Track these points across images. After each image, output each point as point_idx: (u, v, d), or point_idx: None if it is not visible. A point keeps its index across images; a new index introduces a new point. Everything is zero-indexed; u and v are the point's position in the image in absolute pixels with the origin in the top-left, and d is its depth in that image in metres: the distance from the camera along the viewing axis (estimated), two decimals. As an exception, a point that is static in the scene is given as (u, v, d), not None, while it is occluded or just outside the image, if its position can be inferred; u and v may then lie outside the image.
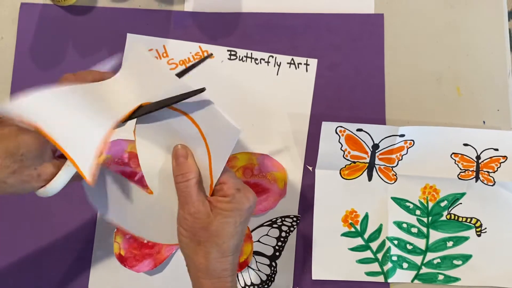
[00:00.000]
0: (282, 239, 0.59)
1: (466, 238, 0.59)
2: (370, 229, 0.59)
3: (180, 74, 0.46)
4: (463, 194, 0.59)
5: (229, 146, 0.43)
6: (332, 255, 0.58)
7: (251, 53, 0.62)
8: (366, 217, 0.59)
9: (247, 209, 0.45)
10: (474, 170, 0.59)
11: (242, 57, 0.62)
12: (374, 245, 0.59)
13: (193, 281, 0.45)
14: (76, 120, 0.42)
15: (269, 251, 0.59)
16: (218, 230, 0.43)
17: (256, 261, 0.59)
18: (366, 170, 0.59)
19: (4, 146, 0.39)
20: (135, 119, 0.45)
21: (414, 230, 0.59)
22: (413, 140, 0.59)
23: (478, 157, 0.59)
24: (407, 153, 0.59)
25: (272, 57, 0.62)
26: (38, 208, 0.59)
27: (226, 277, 0.44)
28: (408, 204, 0.59)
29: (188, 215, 0.44)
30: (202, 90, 0.42)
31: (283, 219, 0.59)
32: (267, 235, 0.59)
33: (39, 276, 0.58)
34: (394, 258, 0.58)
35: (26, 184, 0.40)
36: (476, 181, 0.59)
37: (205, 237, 0.43)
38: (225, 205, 0.44)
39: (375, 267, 0.58)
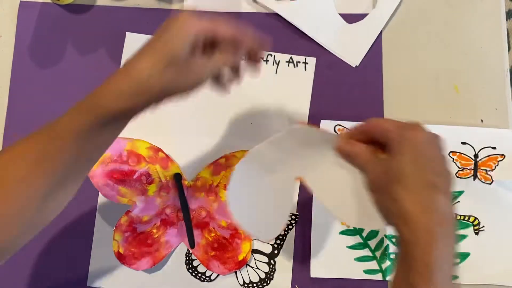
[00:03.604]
0: (280, 237, 0.59)
1: (464, 236, 0.59)
2: (369, 227, 0.59)
3: None
4: (461, 193, 0.59)
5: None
6: (330, 253, 0.58)
7: (250, 52, 0.62)
8: (364, 215, 0.59)
9: (421, 136, 0.40)
10: (472, 168, 0.59)
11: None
12: (373, 243, 0.59)
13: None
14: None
15: (268, 249, 0.59)
16: (395, 168, 0.40)
17: (255, 259, 0.59)
18: (365, 169, 0.59)
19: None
20: None
21: (412, 228, 0.59)
22: (411, 139, 0.59)
23: (476, 156, 0.59)
24: (405, 151, 0.59)
25: (271, 55, 0.62)
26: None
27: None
28: (406, 202, 0.59)
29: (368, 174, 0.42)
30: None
31: (281, 217, 0.59)
32: (265, 233, 0.59)
33: (38, 273, 0.58)
34: (393, 256, 0.58)
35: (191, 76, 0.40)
36: (474, 179, 0.59)
37: (386, 181, 0.40)
38: (392, 143, 0.40)
39: (373, 265, 0.58)
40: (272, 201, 0.50)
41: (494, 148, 0.59)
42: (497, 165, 0.59)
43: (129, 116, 0.40)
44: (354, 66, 0.62)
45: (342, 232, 0.59)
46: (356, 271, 0.58)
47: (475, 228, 0.59)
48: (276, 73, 0.62)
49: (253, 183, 0.49)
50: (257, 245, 0.59)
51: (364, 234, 0.59)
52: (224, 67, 0.43)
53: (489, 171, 0.59)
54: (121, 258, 0.56)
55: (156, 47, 0.38)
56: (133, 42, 0.63)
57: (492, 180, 0.59)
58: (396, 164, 0.40)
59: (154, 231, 0.58)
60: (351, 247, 0.59)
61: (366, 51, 0.62)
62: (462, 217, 0.59)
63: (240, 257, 0.57)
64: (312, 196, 0.59)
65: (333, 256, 0.58)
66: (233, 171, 0.47)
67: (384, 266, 0.58)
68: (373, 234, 0.59)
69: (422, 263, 0.37)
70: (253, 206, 0.50)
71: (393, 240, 0.59)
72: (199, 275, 0.58)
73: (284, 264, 0.59)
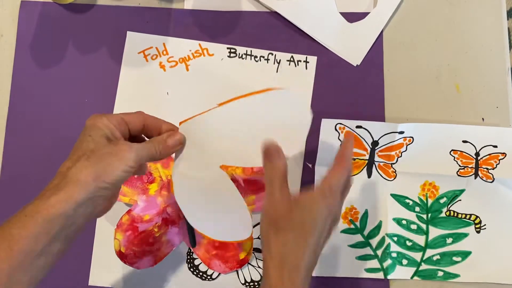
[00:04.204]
0: (282, 236, 0.59)
1: (465, 235, 0.59)
2: (370, 225, 0.59)
3: None
4: (462, 191, 0.59)
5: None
6: (331, 252, 0.58)
7: (251, 51, 0.63)
8: (365, 214, 0.59)
9: (329, 210, 0.44)
10: (473, 167, 0.59)
11: (242, 54, 0.63)
12: (374, 241, 0.59)
13: (264, 271, 0.44)
14: None
15: (269, 248, 0.59)
16: (299, 219, 0.43)
17: (256, 258, 0.59)
18: (366, 167, 0.60)
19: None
20: None
21: (414, 226, 0.59)
22: (412, 137, 0.59)
23: (477, 154, 0.59)
24: (406, 150, 0.59)
25: (272, 54, 0.62)
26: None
27: (297, 271, 0.42)
28: (407, 201, 0.59)
29: (270, 203, 0.45)
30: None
31: (283, 216, 0.59)
32: (267, 232, 0.59)
33: (40, 273, 0.58)
34: (394, 255, 0.58)
35: (115, 165, 0.41)
36: (475, 177, 0.59)
37: (284, 224, 0.43)
38: (307, 197, 0.45)
39: (374, 263, 0.58)
40: (222, 199, 0.51)
41: (495, 146, 0.59)
42: (498, 164, 0.59)
43: (76, 220, 0.40)
44: (355, 65, 0.62)
45: (343, 231, 0.59)
46: (357, 270, 0.58)
47: (477, 226, 0.59)
48: (277, 72, 0.62)
49: (195, 187, 0.50)
50: (258, 244, 0.59)
51: (366, 232, 0.59)
52: (147, 158, 0.44)
53: (490, 169, 0.59)
54: (123, 257, 0.56)
55: (74, 148, 0.42)
56: (134, 41, 0.63)
57: (493, 179, 0.59)
58: (299, 212, 0.44)
59: (156, 230, 0.58)
60: (352, 246, 0.59)
61: (367, 50, 0.62)
62: (463, 216, 0.59)
63: (242, 256, 0.57)
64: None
65: (334, 255, 0.58)
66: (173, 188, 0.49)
67: (385, 264, 0.58)
68: (374, 233, 0.59)
69: None
70: (207, 208, 0.50)
71: (395, 239, 0.59)
72: (201, 274, 0.58)
73: (286, 263, 0.59)
